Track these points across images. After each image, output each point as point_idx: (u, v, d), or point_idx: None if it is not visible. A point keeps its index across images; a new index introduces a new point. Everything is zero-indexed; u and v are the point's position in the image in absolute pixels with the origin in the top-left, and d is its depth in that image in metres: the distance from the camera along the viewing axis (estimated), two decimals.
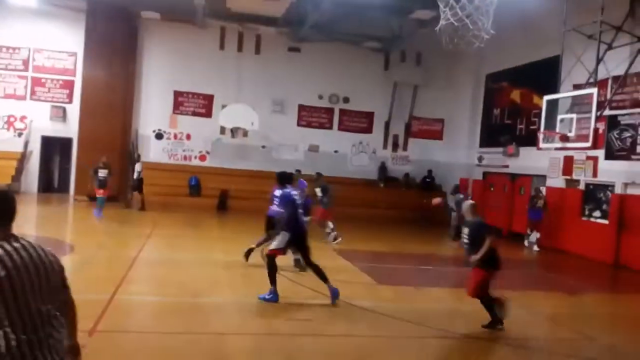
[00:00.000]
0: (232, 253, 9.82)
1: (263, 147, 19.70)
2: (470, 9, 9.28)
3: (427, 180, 20.35)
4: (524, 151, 16.37)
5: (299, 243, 7.37)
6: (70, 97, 18.41)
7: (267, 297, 7.04)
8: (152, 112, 19.03)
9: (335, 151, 20.39)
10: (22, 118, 18.10)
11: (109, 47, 17.69)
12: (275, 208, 7.86)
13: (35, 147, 18.22)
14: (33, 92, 18.23)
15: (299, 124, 20.25)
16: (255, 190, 16.35)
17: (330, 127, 20.52)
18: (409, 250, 13.05)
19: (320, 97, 20.24)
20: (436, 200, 12.27)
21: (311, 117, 20.37)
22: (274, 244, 7.31)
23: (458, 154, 19.87)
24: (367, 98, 20.46)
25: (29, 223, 13.45)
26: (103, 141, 17.32)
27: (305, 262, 7.49)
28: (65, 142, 18.44)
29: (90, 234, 12.10)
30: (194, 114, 19.36)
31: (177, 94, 19.22)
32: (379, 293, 8.42)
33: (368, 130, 20.80)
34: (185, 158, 19.30)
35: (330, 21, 16.64)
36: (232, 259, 9.51)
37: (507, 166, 17.32)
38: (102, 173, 13.98)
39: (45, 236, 11.70)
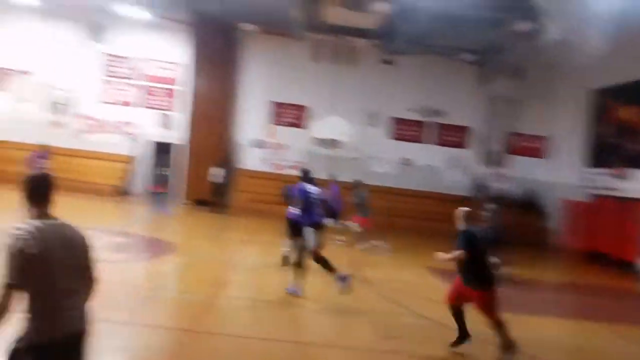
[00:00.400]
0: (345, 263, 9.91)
1: (355, 159, 19.80)
2: (576, 21, 8.81)
3: (527, 199, 19.45)
4: (636, 173, 15.26)
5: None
6: (176, 105, 19.54)
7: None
8: (250, 121, 19.75)
9: (428, 165, 20.09)
10: (133, 123, 19.45)
11: (213, 59, 18.61)
12: (292, 210, 8.22)
13: (145, 152, 19.44)
14: (144, 100, 19.55)
15: (391, 137, 20.18)
16: (345, 202, 16.43)
17: (424, 141, 20.25)
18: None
19: (414, 110, 20.05)
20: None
21: (404, 130, 20.21)
22: (309, 243, 7.69)
23: (560, 173, 18.84)
24: (461, 112, 19.99)
25: (137, 223, 14.40)
26: (204, 148, 18.25)
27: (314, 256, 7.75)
28: (171, 147, 19.56)
29: (191, 236, 12.71)
30: (290, 124, 19.88)
31: (274, 105, 19.83)
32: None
33: (462, 145, 20.30)
34: (280, 167, 19.82)
35: (425, 33, 16.45)
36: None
37: (616, 189, 16.19)
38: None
39: (154, 236, 12.51)
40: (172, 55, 19.45)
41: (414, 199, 18.72)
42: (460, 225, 6.06)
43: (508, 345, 5.82)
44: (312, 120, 19.46)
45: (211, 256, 10.66)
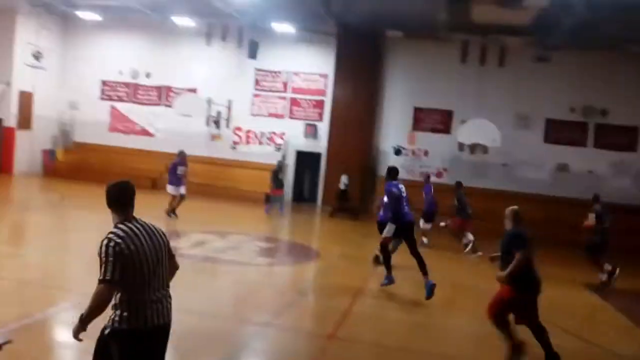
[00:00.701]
0: (472, 274, 9.44)
1: (504, 165, 18.67)
2: None
3: None
4: None
5: (405, 233, 7.98)
6: (321, 115, 20.11)
7: (385, 282, 8.01)
8: (393, 128, 19.63)
9: (589, 171, 18.23)
10: (281, 135, 20.41)
11: (356, 68, 18.84)
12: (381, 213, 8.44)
13: (291, 161, 20.31)
14: (291, 112, 20.43)
15: (545, 141, 18.67)
16: (492, 211, 15.52)
17: (583, 144, 18.43)
18: None
19: (572, 110, 18.35)
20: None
21: (560, 132, 18.57)
22: (384, 233, 7.96)
23: None
24: (629, 111, 17.85)
25: (285, 229, 15.00)
26: (347, 156, 18.52)
27: (411, 252, 7.97)
28: (316, 157, 20.17)
29: (333, 242, 12.91)
30: (433, 130, 19.38)
31: (416, 111, 19.50)
32: None
33: (631, 148, 18.12)
34: (422, 174, 19.39)
35: (585, 25, 14.94)
36: (471, 281, 9.13)
37: None
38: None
39: (297, 242, 12.93)
40: (317, 67, 20.06)
41: (572, 208, 17.05)
42: (508, 225, 5.62)
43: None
44: (457, 125, 18.75)
45: (352, 262, 10.69)
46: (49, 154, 21.14)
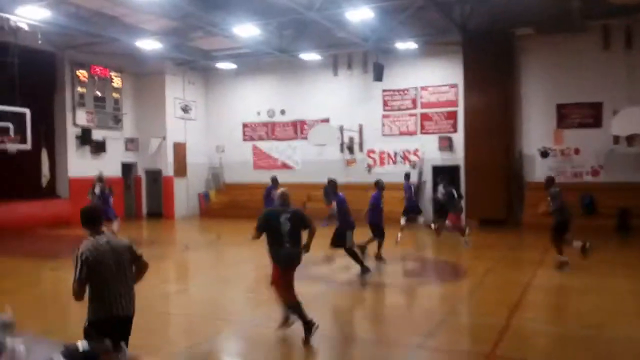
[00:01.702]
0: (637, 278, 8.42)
1: None
2: None
3: None
4: None
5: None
6: (454, 126, 19.57)
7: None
8: (534, 130, 18.42)
9: None
10: (415, 151, 20.18)
11: (487, 73, 18.05)
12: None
13: (427, 177, 19.97)
14: (422, 127, 20.17)
15: None
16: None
17: None
18: None
19: None
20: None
21: None
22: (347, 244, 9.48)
23: None
24: None
25: (428, 246, 14.68)
26: (487, 165, 17.71)
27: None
28: (454, 170, 19.59)
29: (481, 257, 12.33)
30: (580, 125, 17.83)
31: (559, 107, 18.11)
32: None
33: None
34: (575, 175, 17.89)
35: None
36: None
37: None
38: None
39: (442, 259, 12.57)
40: (446, 78, 19.64)
41: None
42: None
43: None
44: (609, 117, 17.06)
45: (503, 276, 10.10)
46: (204, 197, 23.09)
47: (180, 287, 10.04)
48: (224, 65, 22.01)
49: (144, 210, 22.63)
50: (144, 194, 22.67)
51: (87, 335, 3.99)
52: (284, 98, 22.46)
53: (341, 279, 9.78)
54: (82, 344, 3.50)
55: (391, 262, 11.40)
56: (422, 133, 20.14)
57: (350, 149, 21.15)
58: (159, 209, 22.31)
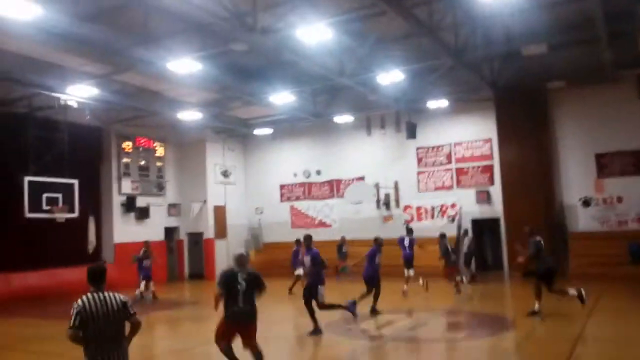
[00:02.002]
0: None
1: None
2: None
3: None
4: None
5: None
6: (491, 180, 19.50)
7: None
8: (574, 180, 18.15)
9: None
10: (452, 205, 20.09)
11: (520, 126, 18.10)
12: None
13: (468, 230, 19.73)
14: (458, 181, 20.17)
15: None
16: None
17: None
18: None
19: None
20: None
21: None
22: (320, 298, 9.49)
23: None
24: None
25: (473, 300, 14.37)
26: (527, 217, 17.37)
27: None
28: (494, 222, 19.36)
29: (527, 309, 11.99)
30: (622, 174, 17.52)
31: (598, 157, 17.88)
32: None
33: None
34: (619, 223, 17.42)
35: None
36: None
37: None
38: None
39: (487, 312, 12.27)
40: (479, 133, 19.78)
41: None
42: None
43: None
44: None
45: (552, 329, 9.78)
46: None
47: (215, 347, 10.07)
48: (261, 131, 22.77)
49: (186, 272, 22.99)
50: (186, 256, 23.10)
51: None
52: (320, 159, 22.94)
53: (384, 334, 9.66)
54: None
55: (436, 315, 11.21)
56: (458, 187, 20.12)
57: (387, 206, 21.23)
58: (201, 271, 22.63)
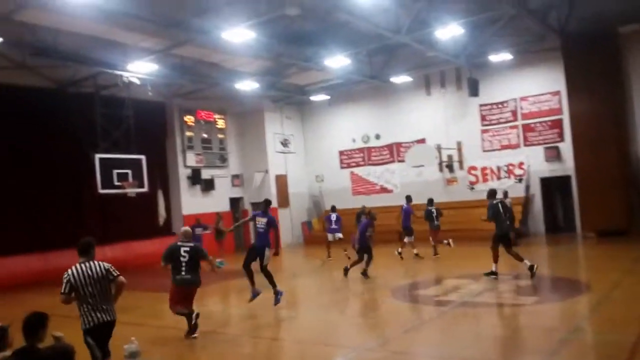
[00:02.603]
0: None
1: None
2: None
3: None
4: None
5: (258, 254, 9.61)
6: (560, 135, 18.55)
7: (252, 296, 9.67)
8: None
9: None
10: (520, 164, 19.31)
11: (591, 76, 16.94)
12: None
13: (536, 190, 18.99)
14: (525, 139, 19.30)
15: None
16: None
17: None
18: None
19: None
20: None
21: None
22: (265, 260, 9.61)
23: None
24: None
25: (544, 263, 13.90)
26: (601, 173, 16.52)
27: (261, 270, 9.61)
28: (564, 181, 18.49)
29: (603, 271, 11.44)
30: None
31: None
32: None
33: None
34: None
35: None
36: None
37: None
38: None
39: (557, 275, 11.83)
40: (546, 86, 18.77)
41: None
42: None
43: None
44: None
45: (630, 291, 9.26)
46: (307, 225, 23.57)
47: (289, 313, 10.26)
48: (318, 98, 22.62)
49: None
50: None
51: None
52: (378, 123, 22.57)
53: (451, 300, 9.49)
54: None
55: (503, 280, 10.91)
56: (525, 145, 19.28)
57: (450, 168, 20.70)
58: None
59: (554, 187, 19.20)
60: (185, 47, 15.41)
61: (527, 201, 19.01)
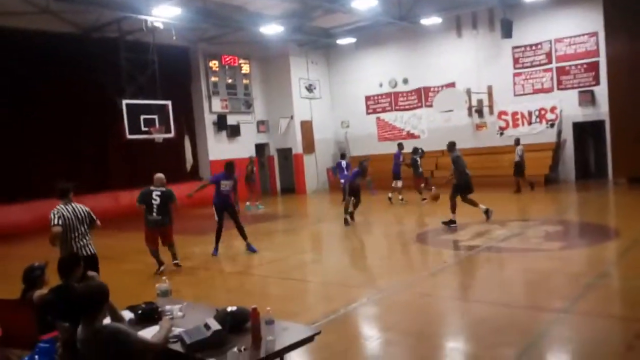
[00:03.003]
0: None
1: None
2: None
3: None
4: None
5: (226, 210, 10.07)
6: (596, 79, 17.85)
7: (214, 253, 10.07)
8: None
9: None
10: (552, 109, 18.77)
11: (631, 16, 16.13)
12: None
13: (568, 135, 18.52)
14: (559, 82, 18.66)
15: None
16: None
17: None
18: None
19: None
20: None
21: None
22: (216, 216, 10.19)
23: None
24: None
25: (574, 209, 13.73)
26: (636, 118, 15.98)
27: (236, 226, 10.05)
28: (598, 126, 17.96)
29: (632, 218, 11.24)
30: None
31: None
32: None
33: None
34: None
35: None
36: None
37: None
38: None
39: (586, 221, 11.68)
40: (583, 27, 17.94)
41: None
42: None
43: None
44: None
45: None
46: (332, 171, 23.59)
47: (315, 256, 10.43)
48: (344, 41, 22.11)
49: (278, 186, 23.75)
50: (277, 172, 23.76)
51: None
52: (406, 67, 22.04)
53: (477, 245, 9.48)
54: (230, 309, 3.79)
55: (530, 225, 10.83)
56: (559, 89, 18.66)
57: (480, 113, 20.25)
58: (292, 185, 23.28)
59: (586, 132, 18.70)
60: None
61: (558, 147, 18.58)
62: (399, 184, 16.03)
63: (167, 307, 4.25)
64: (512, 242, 9.65)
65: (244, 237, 10.01)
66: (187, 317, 4.12)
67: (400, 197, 16.06)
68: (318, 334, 3.73)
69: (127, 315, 4.11)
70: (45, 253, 5.49)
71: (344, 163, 17.12)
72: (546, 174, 17.96)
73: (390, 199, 16.12)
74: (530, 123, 19.23)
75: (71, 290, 4.00)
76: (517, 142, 16.93)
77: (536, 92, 19.08)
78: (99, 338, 3.22)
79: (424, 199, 15.33)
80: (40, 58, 16.17)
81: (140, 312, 4.17)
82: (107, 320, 3.52)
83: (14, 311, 4.41)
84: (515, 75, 19.46)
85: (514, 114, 19.58)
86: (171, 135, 17.75)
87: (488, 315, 5.81)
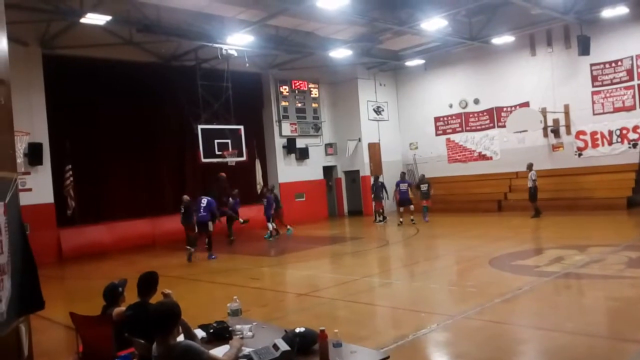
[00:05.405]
0: None
1: None
2: None
3: None
4: None
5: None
6: None
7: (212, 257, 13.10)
8: None
9: None
10: (634, 128, 17.75)
11: None
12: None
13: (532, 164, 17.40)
14: None
15: None
16: None
17: None
18: None
19: None
20: None
21: None
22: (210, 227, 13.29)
23: None
24: None
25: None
26: None
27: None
28: None
29: None
30: None
31: None
32: None
33: None
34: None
35: None
36: None
37: None
38: (423, 187, 18.35)
39: None
40: None
41: None
42: None
43: None
44: None
45: None
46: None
47: (384, 280, 10.32)
48: (412, 63, 22.07)
49: (345, 208, 23.78)
50: (345, 194, 23.82)
51: None
52: (477, 87, 21.65)
53: (554, 271, 9.05)
54: (298, 330, 3.83)
55: (613, 251, 10.23)
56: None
57: (556, 133, 19.48)
58: (359, 207, 23.23)
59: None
60: (280, 18, 15.58)
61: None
62: (411, 207, 18.00)
63: (238, 327, 4.34)
64: (592, 268, 9.15)
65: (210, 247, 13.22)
66: (256, 337, 4.19)
67: (411, 217, 17.78)
68: (387, 359, 3.69)
69: (200, 333, 4.24)
70: (125, 271, 5.77)
71: (404, 186, 18.54)
72: (628, 197, 16.93)
73: (401, 222, 17.96)
74: (610, 143, 18.27)
75: (147, 307, 4.18)
76: (530, 167, 16.70)
77: (617, 110, 18.15)
78: (172, 355, 3.35)
79: (380, 221, 18.58)
80: (124, 86, 17.25)
81: (212, 330, 4.29)
82: (180, 338, 3.65)
83: (94, 327, 4.61)
84: (594, 93, 18.61)
85: (593, 133, 18.68)
86: (243, 158, 18.30)
87: (566, 344, 5.53)
